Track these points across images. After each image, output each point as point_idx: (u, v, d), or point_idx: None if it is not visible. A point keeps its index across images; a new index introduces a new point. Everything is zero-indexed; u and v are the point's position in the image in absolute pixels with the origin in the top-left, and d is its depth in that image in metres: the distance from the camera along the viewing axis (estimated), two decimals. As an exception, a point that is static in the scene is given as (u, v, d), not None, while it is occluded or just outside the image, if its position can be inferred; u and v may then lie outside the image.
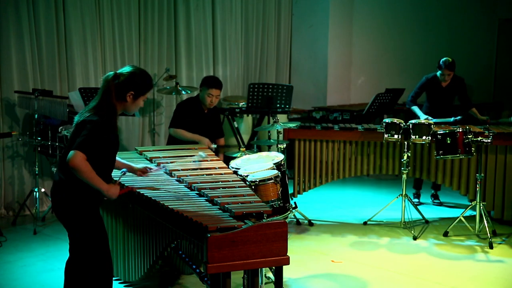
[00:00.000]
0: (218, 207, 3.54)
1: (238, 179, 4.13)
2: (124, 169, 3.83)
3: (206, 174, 4.19)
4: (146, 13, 7.53)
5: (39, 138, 6.05)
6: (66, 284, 3.65)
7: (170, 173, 4.22)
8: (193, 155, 4.71)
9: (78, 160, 3.31)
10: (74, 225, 3.53)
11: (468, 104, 6.70)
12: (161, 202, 3.59)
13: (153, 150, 4.86)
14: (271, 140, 6.07)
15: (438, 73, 6.55)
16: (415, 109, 6.64)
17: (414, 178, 6.79)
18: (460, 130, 5.68)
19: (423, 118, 6.39)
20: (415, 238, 5.72)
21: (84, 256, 3.56)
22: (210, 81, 5.82)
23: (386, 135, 5.90)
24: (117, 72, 3.57)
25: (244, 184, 4.01)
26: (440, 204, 6.93)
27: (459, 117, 6.29)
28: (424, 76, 6.73)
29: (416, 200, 6.97)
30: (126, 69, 3.58)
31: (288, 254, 3.29)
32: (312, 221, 6.22)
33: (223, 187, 3.89)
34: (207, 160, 4.44)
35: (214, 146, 5.59)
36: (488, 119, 6.48)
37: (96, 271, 3.57)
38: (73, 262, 3.62)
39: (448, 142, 5.68)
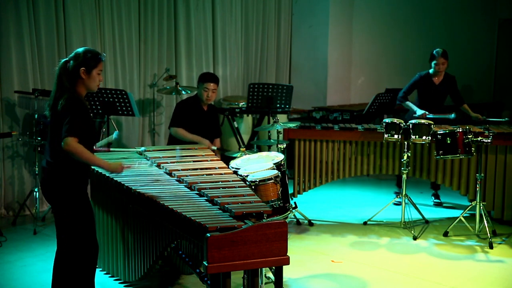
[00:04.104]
0: (218, 207, 3.55)
1: (238, 179, 4.14)
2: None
3: (206, 174, 4.20)
4: (146, 13, 7.53)
5: (39, 138, 6.05)
6: (54, 273, 3.74)
7: (170, 173, 4.22)
8: (194, 155, 4.72)
9: (72, 145, 3.53)
10: (63, 205, 3.68)
11: (460, 101, 6.64)
12: (161, 202, 3.59)
13: (153, 150, 4.86)
14: (271, 140, 6.07)
15: (433, 63, 6.47)
16: (410, 104, 6.57)
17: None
18: (460, 130, 5.67)
19: (419, 112, 6.36)
20: (415, 238, 5.72)
21: (71, 239, 3.69)
22: (205, 75, 5.89)
23: (386, 135, 5.90)
24: (66, 59, 3.75)
25: (244, 184, 4.01)
26: (440, 204, 6.93)
27: (453, 114, 6.25)
28: (418, 73, 6.69)
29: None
30: (74, 52, 3.76)
31: (288, 254, 3.29)
32: (312, 221, 6.22)
33: (223, 187, 3.89)
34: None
35: (214, 147, 5.59)
36: (483, 118, 6.38)
37: (82, 254, 3.69)
38: (60, 250, 3.73)
39: (448, 142, 5.67)
